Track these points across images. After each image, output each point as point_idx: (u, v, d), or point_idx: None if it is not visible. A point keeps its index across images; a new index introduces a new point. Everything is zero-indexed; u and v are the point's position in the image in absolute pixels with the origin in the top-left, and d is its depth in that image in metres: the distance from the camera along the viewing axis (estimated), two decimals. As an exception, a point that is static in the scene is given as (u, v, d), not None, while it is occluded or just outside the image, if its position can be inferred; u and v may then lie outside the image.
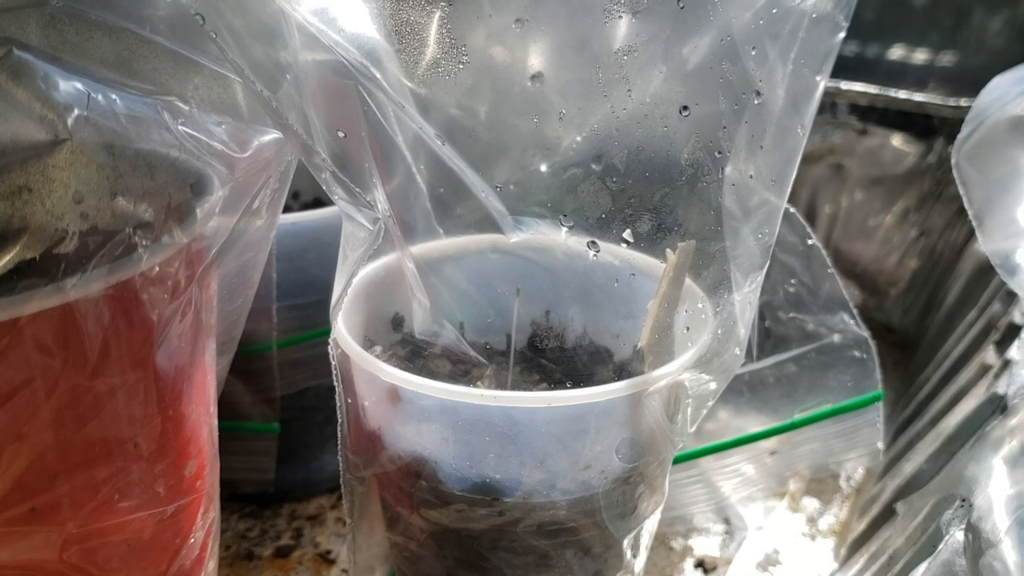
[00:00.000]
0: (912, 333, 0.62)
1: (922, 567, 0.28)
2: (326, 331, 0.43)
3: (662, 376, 0.30)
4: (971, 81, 0.61)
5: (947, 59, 0.84)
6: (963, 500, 0.31)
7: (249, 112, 0.30)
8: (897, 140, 0.63)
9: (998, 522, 0.26)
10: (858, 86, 0.64)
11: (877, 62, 0.81)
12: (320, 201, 0.51)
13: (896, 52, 0.85)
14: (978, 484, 0.29)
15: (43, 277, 0.22)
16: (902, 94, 0.63)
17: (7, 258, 0.22)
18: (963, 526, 0.28)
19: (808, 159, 0.32)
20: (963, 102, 0.62)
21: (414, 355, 0.35)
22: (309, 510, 0.46)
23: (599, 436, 0.30)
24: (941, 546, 0.28)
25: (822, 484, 0.49)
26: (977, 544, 0.27)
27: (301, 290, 0.42)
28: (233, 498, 0.47)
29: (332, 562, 0.43)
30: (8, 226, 0.22)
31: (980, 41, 0.84)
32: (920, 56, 0.84)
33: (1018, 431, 0.33)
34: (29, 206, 0.22)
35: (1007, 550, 0.24)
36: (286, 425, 0.44)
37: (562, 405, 0.29)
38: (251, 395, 0.43)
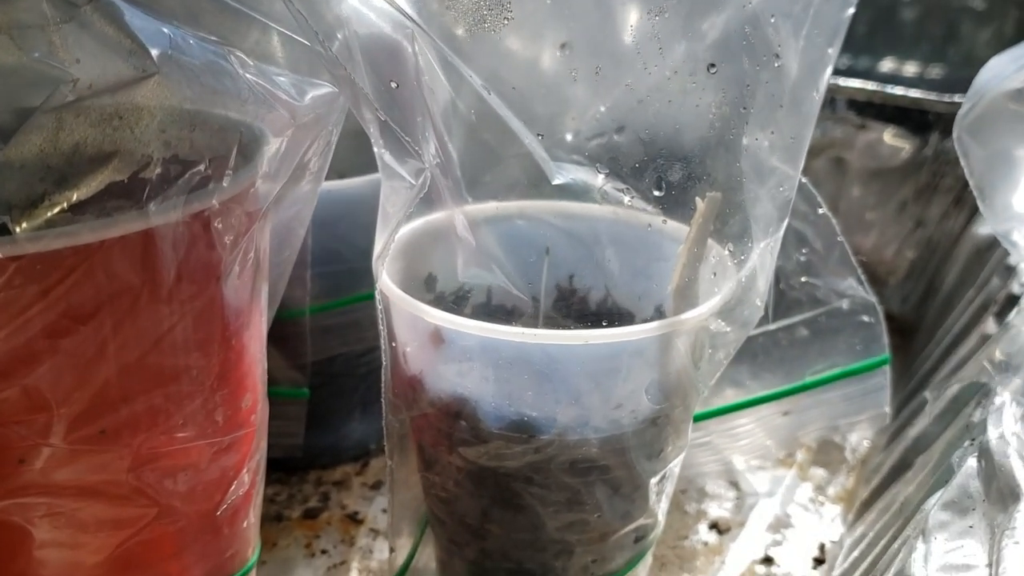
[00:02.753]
0: (911, 320, 0.64)
1: (937, 495, 0.30)
2: (356, 298, 0.45)
3: (691, 318, 0.31)
4: (960, 91, 0.63)
5: (936, 72, 0.87)
6: (972, 439, 0.33)
7: (300, 67, 0.32)
8: (894, 134, 0.66)
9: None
10: (856, 82, 0.66)
11: (868, 74, 0.83)
12: (344, 176, 0.52)
13: (887, 65, 0.88)
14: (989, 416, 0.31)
15: (130, 199, 0.24)
16: (898, 90, 0.66)
17: (100, 177, 0.23)
18: (975, 454, 0.30)
19: (809, 153, 0.34)
20: (957, 98, 0.64)
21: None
22: (335, 476, 0.48)
23: (630, 375, 0.32)
24: (955, 475, 0.30)
25: (828, 455, 0.51)
26: (990, 467, 0.29)
27: (333, 257, 0.44)
28: (260, 465, 0.48)
29: (360, 522, 0.45)
30: (100, 150, 0.24)
31: (968, 54, 0.86)
32: (910, 69, 0.87)
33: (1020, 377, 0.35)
34: (119, 132, 0.24)
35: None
36: (315, 391, 0.45)
37: (597, 343, 0.31)
38: (282, 360, 0.44)
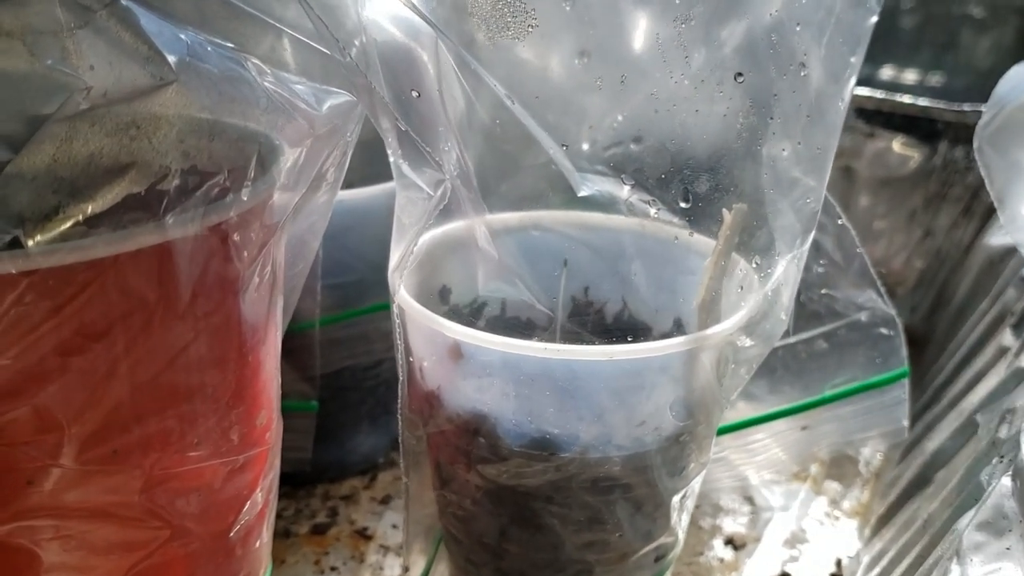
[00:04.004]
0: (921, 330, 0.64)
1: (969, 514, 0.29)
2: (364, 311, 0.44)
3: (717, 333, 0.31)
4: (960, 99, 0.63)
5: (936, 80, 0.87)
6: (1001, 456, 0.32)
7: (313, 75, 0.31)
8: (903, 143, 0.65)
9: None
10: (864, 91, 0.66)
11: (868, 82, 0.83)
12: (353, 187, 0.52)
13: (887, 72, 0.87)
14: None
15: (146, 212, 0.23)
16: (907, 99, 0.65)
17: (117, 189, 0.22)
18: (1009, 473, 0.29)
19: None
20: (966, 107, 0.64)
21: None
22: (343, 490, 0.47)
23: (654, 392, 0.31)
24: (987, 494, 0.29)
25: (842, 468, 0.51)
26: (1025, 487, 0.28)
27: (342, 269, 0.43)
28: (266, 480, 0.47)
29: (369, 538, 0.44)
30: (117, 161, 0.23)
31: (968, 62, 0.86)
32: (910, 76, 0.87)
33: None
34: (137, 142, 0.23)
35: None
36: (323, 404, 0.44)
37: (621, 359, 0.30)
38: (291, 372, 0.43)
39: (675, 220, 0.31)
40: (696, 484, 0.35)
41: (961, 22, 0.86)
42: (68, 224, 0.23)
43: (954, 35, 0.87)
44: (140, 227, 0.23)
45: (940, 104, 0.65)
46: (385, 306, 0.39)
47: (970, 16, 0.86)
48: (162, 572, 0.28)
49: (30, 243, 0.22)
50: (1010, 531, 0.27)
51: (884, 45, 0.87)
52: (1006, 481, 0.29)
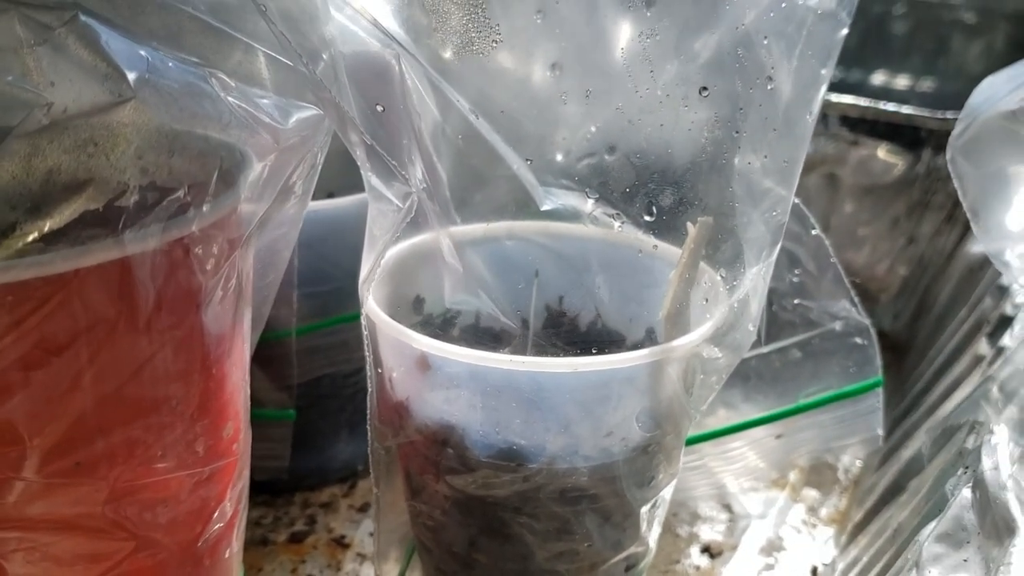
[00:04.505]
0: (903, 337, 0.64)
1: (931, 526, 0.30)
2: (343, 319, 0.45)
3: (682, 345, 0.31)
4: (951, 105, 0.63)
5: (927, 85, 0.87)
6: (966, 467, 0.33)
7: (285, 89, 0.31)
8: (887, 151, 0.65)
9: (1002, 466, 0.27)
10: (848, 98, 0.66)
11: (860, 87, 0.83)
12: (332, 196, 0.52)
13: (878, 78, 0.88)
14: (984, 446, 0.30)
15: (105, 228, 0.23)
16: (890, 107, 0.65)
17: (74, 206, 0.23)
18: (969, 484, 0.29)
19: (802, 169, 0.34)
20: (949, 115, 0.64)
21: (435, 336, 0.36)
22: (322, 498, 0.47)
23: (621, 403, 0.31)
24: (949, 505, 0.29)
25: (821, 476, 0.51)
26: (984, 499, 0.28)
27: (319, 278, 0.43)
28: (245, 487, 0.47)
29: (347, 546, 0.44)
30: (75, 177, 0.23)
31: (959, 67, 0.87)
32: (902, 82, 0.87)
33: (1015, 406, 0.34)
34: (94, 159, 0.23)
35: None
36: (300, 413, 0.45)
37: (587, 371, 0.30)
38: (268, 381, 0.43)
39: (640, 233, 0.31)
40: (666, 494, 0.35)
41: (952, 28, 0.87)
42: (27, 240, 0.23)
43: (945, 41, 0.87)
44: (98, 243, 0.23)
45: (924, 112, 0.65)
46: (362, 314, 0.39)
47: (961, 22, 0.86)
48: (128, 583, 0.29)
49: (-12, 259, 0.22)
50: (968, 543, 0.28)
51: (875, 50, 0.87)
52: (966, 492, 0.29)
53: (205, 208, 0.25)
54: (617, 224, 0.31)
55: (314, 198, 0.55)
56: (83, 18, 0.24)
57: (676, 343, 0.31)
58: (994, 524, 0.27)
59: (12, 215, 0.23)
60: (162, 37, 0.28)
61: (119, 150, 0.23)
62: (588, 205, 0.31)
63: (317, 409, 0.46)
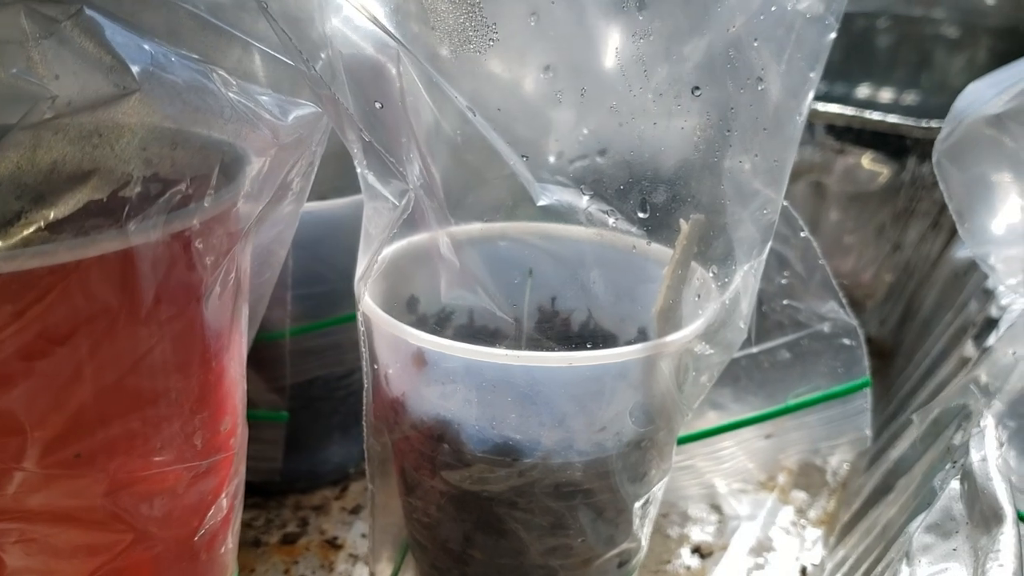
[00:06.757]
0: (889, 343, 0.65)
1: (920, 518, 0.30)
2: (336, 320, 0.45)
3: (675, 341, 0.31)
4: (936, 117, 0.64)
5: (911, 98, 0.88)
6: (954, 462, 0.33)
7: (282, 87, 0.31)
8: (872, 159, 0.66)
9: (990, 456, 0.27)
10: (834, 107, 0.67)
11: (844, 100, 0.84)
12: (325, 199, 0.52)
13: (863, 91, 0.89)
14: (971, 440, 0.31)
15: (109, 218, 0.24)
16: (876, 115, 0.66)
17: (78, 196, 0.23)
18: (958, 477, 0.30)
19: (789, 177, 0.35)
20: (934, 123, 0.65)
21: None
22: (314, 501, 0.47)
23: (614, 398, 0.31)
24: (937, 497, 0.30)
25: (809, 478, 0.51)
26: (973, 490, 0.29)
27: (314, 279, 0.43)
28: (237, 490, 0.47)
29: (339, 547, 0.44)
30: (79, 168, 0.23)
31: (942, 81, 0.88)
32: (885, 95, 0.88)
33: (1000, 401, 0.35)
34: (99, 150, 0.23)
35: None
36: (293, 415, 0.45)
37: (581, 365, 0.30)
38: (261, 383, 0.44)
39: (633, 230, 0.32)
40: (659, 491, 0.36)
41: (935, 42, 0.88)
42: (30, 230, 0.23)
43: (928, 55, 0.89)
44: (102, 233, 0.24)
45: (909, 121, 0.66)
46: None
47: (943, 36, 0.88)
48: (126, 576, 0.29)
49: (-7, 248, 0.22)
50: (957, 532, 0.28)
51: (859, 63, 0.89)
52: (955, 484, 0.30)
53: (207, 201, 0.26)
54: (611, 221, 0.31)
55: (307, 200, 0.55)
56: (88, 12, 0.24)
57: (669, 339, 0.31)
58: (982, 513, 0.28)
59: (17, 204, 0.23)
60: (162, 33, 0.28)
61: (123, 141, 0.24)
62: (583, 202, 0.31)
63: (310, 411, 0.46)
